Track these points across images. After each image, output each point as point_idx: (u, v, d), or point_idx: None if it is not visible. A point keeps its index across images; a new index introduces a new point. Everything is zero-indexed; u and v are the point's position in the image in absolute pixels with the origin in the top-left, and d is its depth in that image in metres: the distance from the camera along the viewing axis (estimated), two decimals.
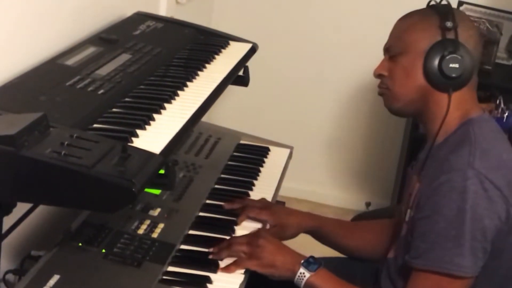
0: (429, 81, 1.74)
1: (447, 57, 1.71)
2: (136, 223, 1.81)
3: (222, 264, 1.75)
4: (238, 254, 1.78)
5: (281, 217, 2.02)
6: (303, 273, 1.75)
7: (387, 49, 1.84)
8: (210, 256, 1.77)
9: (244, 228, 1.94)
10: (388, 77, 1.81)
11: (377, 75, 1.84)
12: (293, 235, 2.04)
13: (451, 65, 1.71)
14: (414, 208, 1.74)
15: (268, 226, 1.99)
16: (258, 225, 1.97)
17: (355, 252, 2.14)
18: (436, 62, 1.72)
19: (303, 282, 1.75)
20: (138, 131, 1.47)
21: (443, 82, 1.73)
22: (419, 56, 1.74)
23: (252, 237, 1.84)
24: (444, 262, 1.62)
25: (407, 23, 1.82)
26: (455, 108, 1.74)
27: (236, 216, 1.98)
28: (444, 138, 1.75)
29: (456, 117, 1.75)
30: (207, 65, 1.99)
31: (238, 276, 1.72)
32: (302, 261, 1.77)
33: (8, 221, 1.56)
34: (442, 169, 1.65)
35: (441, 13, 1.75)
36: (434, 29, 1.74)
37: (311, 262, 1.77)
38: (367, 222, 2.28)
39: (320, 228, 2.09)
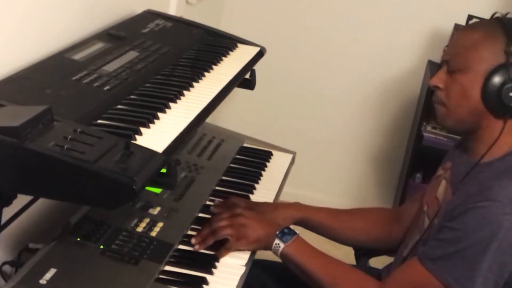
0: (486, 105, 1.70)
1: (508, 85, 1.66)
2: (135, 221, 1.81)
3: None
4: (224, 237, 1.79)
5: (266, 214, 2.01)
6: (278, 243, 1.80)
7: (446, 62, 1.76)
8: (196, 248, 1.77)
9: None
10: (444, 92, 1.75)
11: (433, 86, 1.78)
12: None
13: (511, 94, 1.67)
14: (442, 217, 1.73)
15: None
16: None
17: (347, 241, 2.16)
18: (496, 87, 1.67)
19: (278, 252, 1.80)
20: (142, 129, 1.47)
21: (501, 109, 1.70)
22: (479, 77, 1.69)
23: (232, 217, 1.84)
24: (451, 277, 1.63)
25: (470, 39, 1.72)
26: (508, 133, 1.72)
27: None
28: (489, 160, 1.73)
29: (507, 143, 1.72)
30: (214, 67, 1.98)
31: (234, 278, 1.71)
32: (277, 233, 1.81)
33: (7, 213, 1.56)
34: (483, 194, 1.63)
35: (508, 31, 1.68)
36: (498, 49, 1.67)
37: (285, 233, 1.81)
38: (360, 209, 2.27)
39: (308, 219, 2.10)
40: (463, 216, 1.63)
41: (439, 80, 1.77)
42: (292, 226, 1.89)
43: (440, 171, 1.95)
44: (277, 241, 1.80)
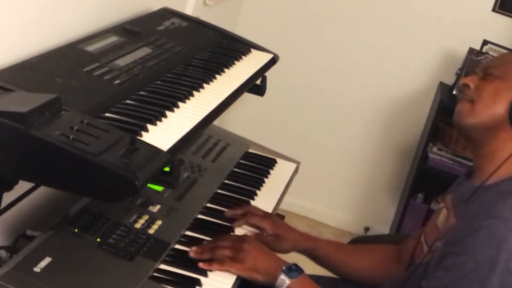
0: (510, 117, 1.72)
1: None
2: (134, 217, 1.80)
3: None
4: (221, 257, 1.74)
5: (280, 229, 2.00)
6: (284, 279, 1.75)
7: (485, 68, 1.81)
8: (191, 255, 1.73)
9: (240, 233, 1.93)
10: (474, 90, 1.78)
11: (463, 84, 1.81)
12: (286, 250, 2.02)
13: None
14: (445, 241, 1.72)
15: (265, 234, 1.98)
16: (254, 231, 1.97)
17: (351, 277, 2.12)
18: None
19: None
20: (149, 126, 1.47)
21: None
22: None
23: (236, 241, 1.81)
24: None
25: None
26: None
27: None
28: (494, 181, 1.72)
29: None
30: (226, 70, 1.98)
31: (228, 282, 1.71)
32: (284, 268, 1.76)
33: (7, 198, 1.56)
34: (487, 213, 1.62)
35: None
36: None
37: (292, 269, 1.77)
38: (367, 247, 2.25)
39: (315, 250, 2.08)
40: (467, 238, 1.62)
41: (471, 80, 1.80)
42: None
43: (441, 204, 1.94)
44: (282, 276, 1.75)
